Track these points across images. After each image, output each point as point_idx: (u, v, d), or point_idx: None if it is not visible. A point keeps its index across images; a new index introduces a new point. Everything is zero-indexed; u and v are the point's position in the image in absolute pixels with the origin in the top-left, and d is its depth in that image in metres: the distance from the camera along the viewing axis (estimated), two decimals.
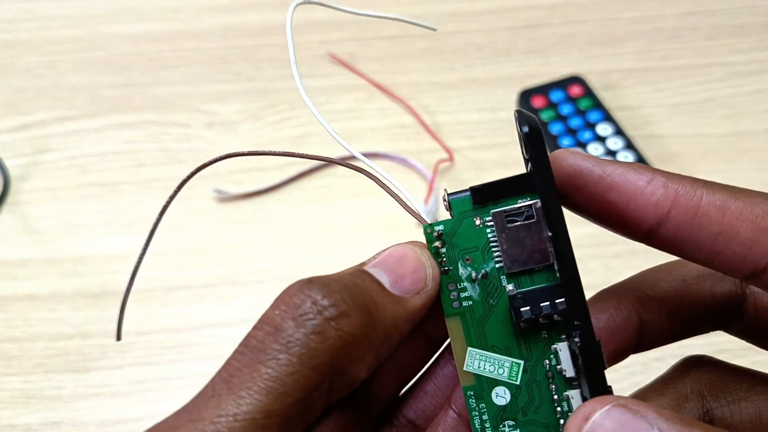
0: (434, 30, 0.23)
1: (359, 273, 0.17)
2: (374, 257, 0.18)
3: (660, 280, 0.20)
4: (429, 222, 0.19)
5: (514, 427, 0.17)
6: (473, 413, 0.17)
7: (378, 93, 0.46)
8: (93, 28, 0.50)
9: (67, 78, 0.47)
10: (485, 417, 0.17)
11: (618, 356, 0.19)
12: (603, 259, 0.38)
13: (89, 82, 0.47)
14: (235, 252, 0.39)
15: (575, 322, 0.16)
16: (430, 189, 0.40)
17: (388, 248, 0.18)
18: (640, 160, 0.42)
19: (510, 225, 0.18)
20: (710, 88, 0.46)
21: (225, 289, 0.38)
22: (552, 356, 0.17)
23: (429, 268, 0.18)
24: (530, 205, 0.18)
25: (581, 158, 0.17)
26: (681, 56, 0.48)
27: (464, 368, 0.17)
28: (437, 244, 0.18)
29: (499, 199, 0.18)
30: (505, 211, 0.18)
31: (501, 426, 0.17)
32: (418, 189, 0.41)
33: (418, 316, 0.18)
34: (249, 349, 0.15)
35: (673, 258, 0.18)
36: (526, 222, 0.18)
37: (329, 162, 0.17)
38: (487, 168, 0.42)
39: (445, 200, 0.19)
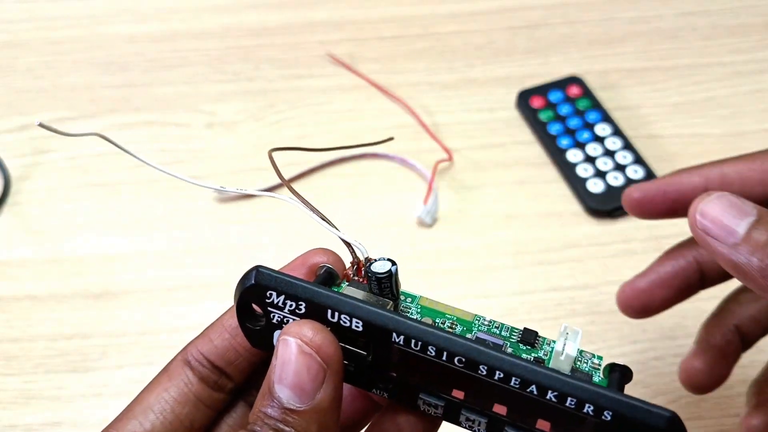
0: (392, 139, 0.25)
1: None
2: (273, 368, 0.17)
3: None
4: (362, 253, 0.20)
5: None
6: None
7: (377, 93, 0.46)
8: (93, 28, 0.50)
9: (67, 78, 0.47)
10: None
11: (685, 293, 0.26)
12: (602, 258, 0.38)
13: (89, 82, 0.47)
14: (235, 252, 0.39)
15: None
16: (429, 189, 0.40)
17: (280, 349, 0.17)
18: (639, 159, 0.42)
19: None
20: (709, 88, 0.46)
21: (225, 289, 0.38)
22: None
23: (316, 356, 0.17)
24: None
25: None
26: (680, 56, 0.48)
27: None
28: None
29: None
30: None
31: None
32: (418, 189, 0.42)
33: (336, 403, 0.17)
34: None
35: None
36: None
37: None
38: (486, 168, 0.43)
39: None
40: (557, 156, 0.42)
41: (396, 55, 0.48)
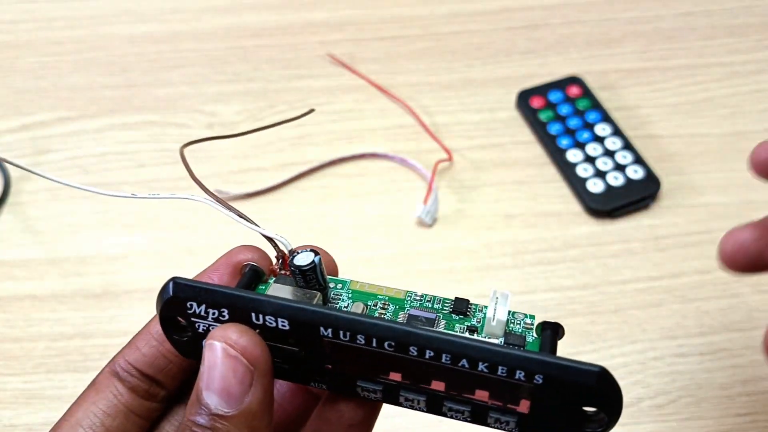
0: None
1: None
2: (201, 375, 0.17)
3: None
4: (285, 246, 0.19)
5: None
6: None
7: (377, 93, 0.46)
8: (93, 29, 0.50)
9: (68, 79, 0.47)
10: None
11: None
12: (601, 258, 0.39)
13: (89, 82, 0.47)
14: None
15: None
16: (429, 189, 0.40)
17: (206, 354, 0.17)
18: (639, 159, 0.42)
19: None
20: (708, 88, 0.46)
21: None
22: None
23: (242, 359, 0.17)
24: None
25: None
26: (679, 56, 0.48)
27: None
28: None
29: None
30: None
31: None
32: (418, 189, 0.42)
33: (265, 406, 0.17)
34: None
35: None
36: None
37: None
38: (486, 168, 0.43)
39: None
40: (557, 156, 0.42)
41: (396, 55, 0.48)
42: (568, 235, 0.40)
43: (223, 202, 0.20)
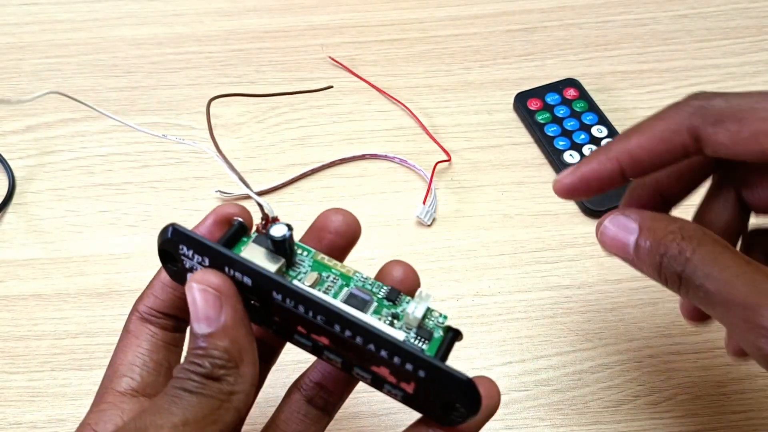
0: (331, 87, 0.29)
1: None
2: (190, 312, 0.21)
3: None
4: (269, 212, 0.23)
5: None
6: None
7: (377, 95, 0.47)
8: (97, 31, 0.51)
9: (72, 80, 0.48)
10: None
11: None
12: (597, 258, 0.39)
13: (94, 84, 0.48)
14: None
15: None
16: (428, 189, 0.41)
17: (187, 295, 0.21)
18: None
19: None
20: (704, 90, 0.47)
21: None
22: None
23: (210, 290, 0.21)
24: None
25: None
26: (675, 58, 0.49)
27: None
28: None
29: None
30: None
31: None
32: (417, 189, 0.42)
33: (237, 321, 0.21)
34: None
35: None
36: None
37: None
38: (484, 168, 0.43)
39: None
40: (554, 157, 0.43)
41: (395, 58, 0.49)
42: (565, 235, 0.40)
43: (227, 160, 0.24)
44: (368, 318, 0.22)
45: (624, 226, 0.24)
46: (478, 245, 0.40)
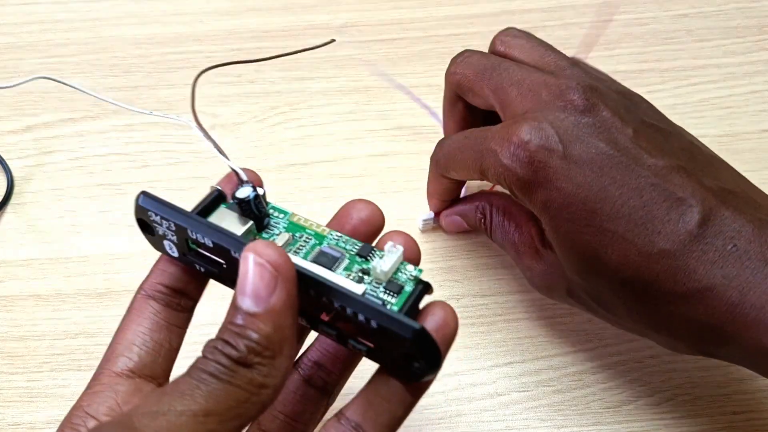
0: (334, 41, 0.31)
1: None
2: (237, 284, 0.20)
3: None
4: (236, 170, 0.24)
5: None
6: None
7: (378, 95, 0.47)
8: (96, 31, 0.51)
9: (71, 80, 0.47)
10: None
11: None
12: None
13: (93, 84, 0.48)
14: None
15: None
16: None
17: (241, 264, 0.20)
18: None
19: None
20: (704, 90, 0.47)
21: (226, 288, 0.38)
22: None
23: (268, 266, 0.19)
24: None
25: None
26: (675, 58, 0.49)
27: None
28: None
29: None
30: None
31: None
32: (417, 189, 0.42)
33: (287, 307, 0.20)
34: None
35: None
36: None
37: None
38: None
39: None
40: None
41: (396, 57, 0.49)
42: None
43: (205, 132, 0.24)
44: (328, 273, 0.21)
45: (452, 221, 0.37)
46: (478, 245, 0.40)
